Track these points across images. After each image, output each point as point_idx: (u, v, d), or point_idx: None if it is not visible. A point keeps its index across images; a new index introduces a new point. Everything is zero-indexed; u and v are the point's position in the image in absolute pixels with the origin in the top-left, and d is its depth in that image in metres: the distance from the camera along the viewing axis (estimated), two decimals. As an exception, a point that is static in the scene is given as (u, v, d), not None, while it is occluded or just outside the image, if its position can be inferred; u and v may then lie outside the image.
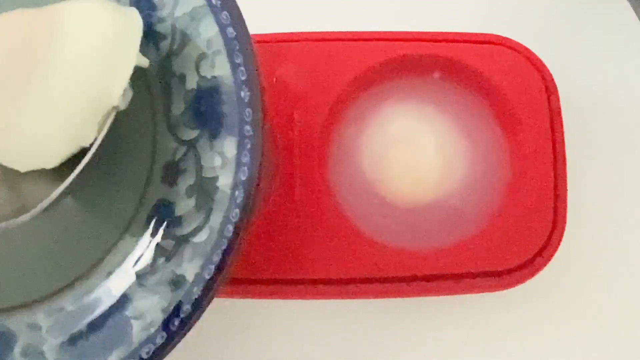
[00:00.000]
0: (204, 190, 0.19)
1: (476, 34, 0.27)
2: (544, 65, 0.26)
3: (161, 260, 0.19)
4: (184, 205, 0.19)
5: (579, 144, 0.27)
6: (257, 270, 0.24)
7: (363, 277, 0.24)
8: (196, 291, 0.19)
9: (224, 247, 0.19)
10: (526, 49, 0.26)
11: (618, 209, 0.28)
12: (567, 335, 0.27)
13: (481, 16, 0.30)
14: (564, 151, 0.25)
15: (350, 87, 0.26)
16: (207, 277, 0.19)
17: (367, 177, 0.27)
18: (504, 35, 0.26)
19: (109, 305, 0.19)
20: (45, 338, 0.19)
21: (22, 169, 0.18)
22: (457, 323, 0.27)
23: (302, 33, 0.26)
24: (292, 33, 0.26)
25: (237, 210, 0.19)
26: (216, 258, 0.18)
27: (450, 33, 0.26)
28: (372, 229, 0.25)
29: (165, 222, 0.20)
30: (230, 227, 0.19)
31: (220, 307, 0.27)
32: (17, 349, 0.19)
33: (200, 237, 0.19)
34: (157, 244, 0.19)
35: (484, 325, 0.27)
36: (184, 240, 0.19)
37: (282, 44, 0.26)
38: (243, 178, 0.19)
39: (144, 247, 0.20)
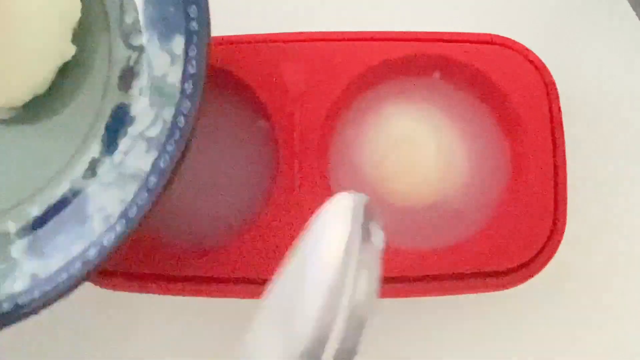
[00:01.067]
0: (156, 87, 0.21)
1: (476, 34, 0.27)
2: (544, 65, 0.26)
3: (118, 157, 0.21)
4: (138, 105, 0.21)
5: (579, 144, 0.27)
6: (257, 271, 0.24)
7: (363, 277, 0.24)
8: (152, 179, 0.20)
9: (176, 137, 0.20)
10: (526, 49, 0.26)
11: (618, 209, 0.28)
12: (567, 335, 0.27)
13: (481, 16, 0.30)
14: (564, 151, 0.25)
15: (350, 87, 0.26)
16: (162, 166, 0.20)
17: (367, 177, 0.27)
18: (504, 35, 0.26)
19: (72, 204, 0.21)
20: (13, 240, 0.21)
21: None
22: (457, 323, 0.27)
23: (302, 33, 0.26)
24: (292, 33, 0.26)
25: (188, 102, 0.20)
26: (170, 147, 0.20)
27: (451, 33, 0.26)
28: (372, 229, 0.25)
29: (121, 124, 0.21)
30: (182, 119, 0.20)
31: (220, 307, 0.27)
32: None
33: (154, 131, 0.20)
34: (114, 144, 0.21)
35: (484, 325, 0.27)
36: (139, 136, 0.20)
37: (282, 44, 0.26)
38: (192, 71, 0.20)
39: (103, 150, 0.21)
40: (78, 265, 0.19)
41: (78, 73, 0.22)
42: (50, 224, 0.21)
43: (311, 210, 0.25)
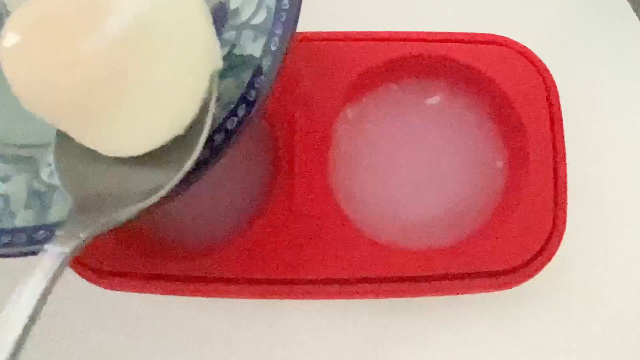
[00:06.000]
0: None
1: (476, 34, 0.27)
2: (544, 66, 0.26)
3: (227, 50, 0.20)
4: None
5: (579, 144, 0.27)
6: (257, 270, 0.24)
7: (363, 277, 0.24)
8: (266, 63, 0.20)
9: (283, 18, 0.20)
10: (527, 49, 0.26)
11: (618, 209, 0.28)
12: (567, 334, 0.27)
13: (481, 16, 0.30)
14: (564, 151, 0.25)
15: (351, 87, 0.26)
16: (274, 48, 0.20)
17: (367, 177, 0.27)
18: (504, 35, 0.27)
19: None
20: None
21: (136, 153, 0.18)
22: (457, 323, 0.27)
23: (302, 33, 0.26)
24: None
25: None
26: (278, 31, 0.20)
27: (451, 33, 0.27)
28: (372, 229, 0.25)
29: (223, 19, 0.21)
30: (286, 1, 0.20)
31: (221, 307, 0.27)
32: None
33: (259, 18, 0.20)
34: (220, 38, 0.20)
35: (484, 325, 0.27)
36: (243, 26, 0.20)
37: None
38: None
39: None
40: (206, 153, 0.19)
41: None
42: None
43: (311, 211, 0.25)
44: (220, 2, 0.21)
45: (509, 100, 0.26)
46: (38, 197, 0.20)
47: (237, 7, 0.21)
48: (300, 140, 0.25)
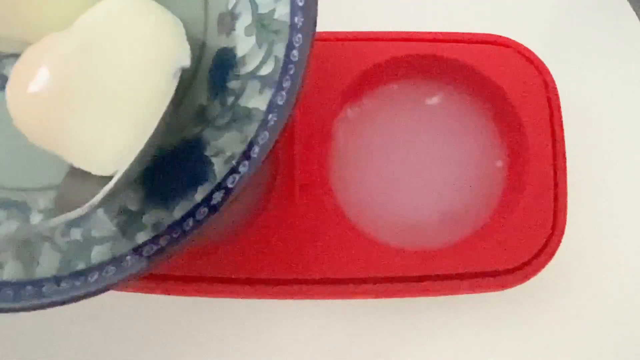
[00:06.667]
0: (263, 25, 0.19)
1: (476, 34, 0.27)
2: (544, 66, 0.26)
3: (230, 100, 0.20)
4: (245, 45, 0.20)
5: (579, 144, 0.27)
6: (257, 270, 0.24)
7: (363, 277, 0.24)
8: (272, 118, 0.19)
9: (292, 71, 0.19)
10: (527, 49, 0.26)
11: (618, 209, 0.28)
12: (567, 334, 0.27)
13: (481, 16, 0.30)
14: (564, 151, 0.25)
15: (350, 87, 0.26)
16: (280, 103, 0.19)
17: (367, 177, 0.27)
18: (504, 35, 0.26)
19: (187, 153, 0.19)
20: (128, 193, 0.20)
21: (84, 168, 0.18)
22: (457, 323, 0.27)
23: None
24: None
25: (300, 35, 0.19)
26: (286, 84, 0.19)
27: (451, 33, 0.27)
28: (373, 229, 0.25)
29: (228, 68, 0.20)
30: (295, 52, 0.19)
31: (220, 307, 0.27)
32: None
33: (267, 69, 0.19)
34: (224, 87, 0.20)
35: (484, 325, 0.27)
36: (250, 77, 0.19)
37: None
38: (301, 4, 0.19)
39: (211, 95, 0.20)
40: (204, 210, 0.19)
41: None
42: (167, 175, 0.19)
43: (312, 210, 0.25)
44: (226, 48, 0.20)
45: (509, 100, 0.26)
46: (27, 248, 0.19)
47: (244, 55, 0.20)
48: (300, 140, 0.25)
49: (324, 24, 0.27)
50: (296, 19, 0.19)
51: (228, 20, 0.20)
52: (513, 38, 0.26)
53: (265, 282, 0.25)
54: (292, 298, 0.25)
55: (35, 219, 0.20)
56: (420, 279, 0.24)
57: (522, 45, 0.26)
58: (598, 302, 0.27)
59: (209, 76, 0.20)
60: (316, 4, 0.19)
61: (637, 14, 0.29)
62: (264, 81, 0.19)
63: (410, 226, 0.26)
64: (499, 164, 0.27)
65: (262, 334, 0.27)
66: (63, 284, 0.19)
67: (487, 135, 0.27)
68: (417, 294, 0.25)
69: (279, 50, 0.19)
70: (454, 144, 0.27)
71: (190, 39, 0.20)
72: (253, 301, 0.26)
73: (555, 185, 0.25)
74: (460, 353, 0.27)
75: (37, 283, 0.19)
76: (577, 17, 0.30)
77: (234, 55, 0.20)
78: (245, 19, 0.20)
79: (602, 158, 0.28)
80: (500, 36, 0.26)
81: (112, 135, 0.18)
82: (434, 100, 0.27)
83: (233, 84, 0.20)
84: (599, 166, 0.28)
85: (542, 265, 0.24)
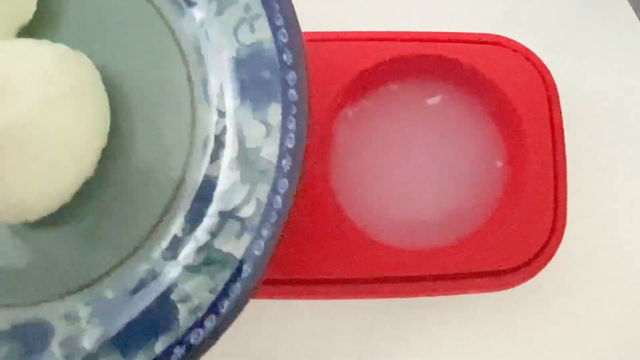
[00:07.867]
0: (249, 161, 0.18)
1: (476, 34, 0.27)
2: (544, 66, 0.26)
3: (206, 238, 0.18)
4: (228, 180, 0.18)
5: (579, 144, 0.27)
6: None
7: (363, 277, 0.24)
8: (246, 269, 0.17)
9: (273, 220, 0.17)
10: (526, 49, 0.26)
11: (618, 208, 0.28)
12: (567, 334, 0.27)
13: (481, 16, 0.30)
14: (564, 151, 0.25)
15: (350, 88, 0.26)
16: (257, 253, 0.17)
17: (367, 177, 0.27)
18: (504, 35, 0.27)
19: (152, 290, 0.18)
20: (85, 328, 0.18)
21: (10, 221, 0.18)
22: (457, 323, 0.27)
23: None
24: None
25: (285, 181, 0.18)
26: (266, 232, 0.17)
27: (451, 33, 0.27)
28: (373, 229, 0.25)
29: (208, 200, 0.18)
30: (279, 199, 0.17)
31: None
32: (54, 342, 0.18)
33: (247, 212, 0.18)
34: (200, 221, 0.18)
35: (484, 325, 0.27)
36: (229, 215, 0.18)
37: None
38: (290, 146, 0.18)
39: (186, 227, 0.18)
40: None
41: (157, 132, 0.19)
42: (128, 308, 0.18)
43: (312, 210, 0.25)
44: (208, 176, 0.18)
45: (509, 100, 0.26)
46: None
47: (226, 190, 0.18)
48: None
49: (324, 24, 0.27)
50: (284, 162, 0.18)
51: (213, 146, 0.19)
52: (513, 38, 0.27)
53: (264, 282, 0.24)
54: (292, 298, 0.25)
55: None
56: (420, 278, 0.24)
57: (522, 45, 0.26)
58: (598, 302, 0.27)
59: (189, 207, 0.19)
60: (306, 149, 0.18)
61: (637, 14, 0.29)
62: (244, 224, 0.18)
63: (410, 226, 0.26)
64: (499, 164, 0.27)
65: (262, 334, 0.27)
66: None
67: (487, 135, 0.27)
68: (417, 293, 0.25)
69: (262, 193, 0.18)
70: (454, 144, 0.27)
71: (174, 161, 0.19)
72: (252, 301, 0.26)
73: (555, 185, 0.25)
74: (460, 353, 0.27)
75: None
76: (577, 17, 0.30)
77: (215, 187, 0.18)
78: (231, 150, 0.18)
79: (602, 158, 0.28)
80: (501, 36, 0.26)
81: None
82: (434, 100, 0.27)
83: (210, 221, 0.18)
84: (599, 166, 0.28)
85: (542, 265, 0.24)
